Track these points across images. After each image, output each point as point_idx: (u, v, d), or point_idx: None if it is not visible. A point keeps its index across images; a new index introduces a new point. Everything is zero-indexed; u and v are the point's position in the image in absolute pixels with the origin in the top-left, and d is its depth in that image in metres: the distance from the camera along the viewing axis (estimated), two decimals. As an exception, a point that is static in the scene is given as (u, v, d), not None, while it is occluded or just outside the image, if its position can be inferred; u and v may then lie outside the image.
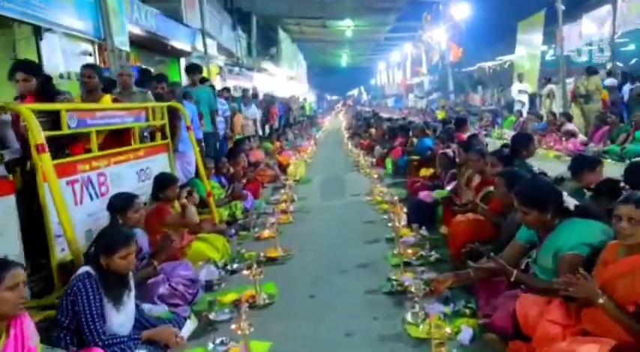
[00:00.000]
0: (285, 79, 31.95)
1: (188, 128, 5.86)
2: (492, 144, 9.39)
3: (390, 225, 5.63)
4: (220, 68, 19.18)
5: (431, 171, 7.70)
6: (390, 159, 9.50)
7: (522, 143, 5.18)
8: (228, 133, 9.10)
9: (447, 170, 6.53)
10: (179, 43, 13.74)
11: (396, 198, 6.16)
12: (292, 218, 6.38)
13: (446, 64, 29.26)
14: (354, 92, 62.98)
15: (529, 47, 18.93)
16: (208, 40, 15.38)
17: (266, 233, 5.64)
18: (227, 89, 11.75)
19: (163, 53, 14.22)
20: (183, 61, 14.94)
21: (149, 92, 5.57)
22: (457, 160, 6.61)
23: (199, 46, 14.90)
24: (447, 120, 9.59)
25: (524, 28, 19.33)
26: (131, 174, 4.94)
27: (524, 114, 15.22)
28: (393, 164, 9.23)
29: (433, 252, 4.52)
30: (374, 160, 10.09)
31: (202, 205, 6.00)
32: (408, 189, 7.37)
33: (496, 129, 15.61)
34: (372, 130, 15.02)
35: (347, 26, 29.39)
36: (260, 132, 12.48)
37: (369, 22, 29.00)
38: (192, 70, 7.75)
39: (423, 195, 6.50)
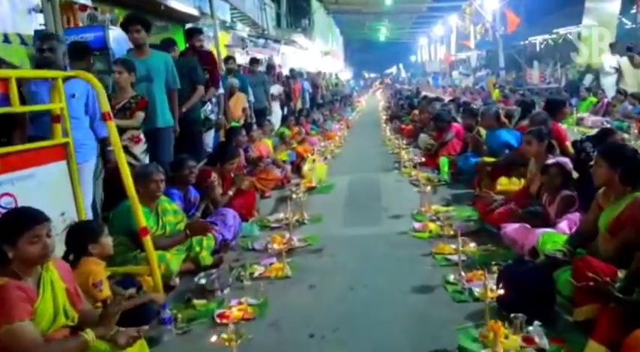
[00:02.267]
0: (318, 53, 29.20)
1: (106, 117, 3.30)
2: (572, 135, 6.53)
3: (461, 298, 3.06)
4: (242, 39, 16.76)
5: (516, 183, 4.99)
6: (446, 157, 6.75)
7: None
8: (221, 121, 6.47)
9: (558, 190, 3.82)
10: (178, 4, 11.17)
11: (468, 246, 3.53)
12: (290, 268, 3.79)
13: (497, 38, 26.03)
14: (393, 70, 59.45)
15: (601, 16, 16.20)
16: (218, 1, 12.78)
17: (234, 312, 3.11)
18: (232, 59, 9.07)
19: (163, 17, 11.73)
20: (190, 29, 12.47)
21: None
22: (573, 174, 3.92)
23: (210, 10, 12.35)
24: (528, 103, 6.76)
25: (595, -7, 16.44)
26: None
27: (610, 94, 12.16)
28: (451, 165, 6.48)
29: None
30: (420, 156, 7.31)
31: (137, 245, 3.53)
32: (480, 214, 4.67)
33: (572, 114, 12.54)
34: (416, 112, 12.22)
35: (387, -6, 26.39)
36: (276, 119, 9.77)
37: (412, -10, 26.07)
38: (131, 23, 4.80)
39: (513, 231, 3.85)
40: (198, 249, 3.94)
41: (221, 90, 6.58)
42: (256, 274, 3.77)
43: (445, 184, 6.21)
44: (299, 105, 13.19)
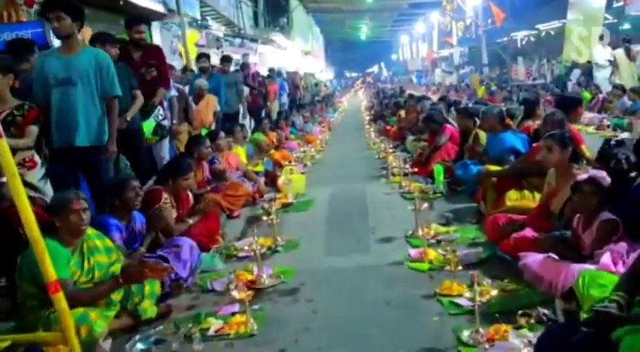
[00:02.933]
0: (298, 53, 28.37)
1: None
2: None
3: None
4: (217, 39, 15.91)
5: (529, 197, 4.18)
6: (440, 163, 5.92)
7: None
8: (176, 128, 5.52)
9: (595, 212, 3.01)
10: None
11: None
12: (256, 321, 2.93)
13: (479, 34, 25.47)
14: (374, 69, 58.89)
15: (585, 10, 15.73)
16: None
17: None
18: (205, 56, 8.13)
19: (125, 15, 10.76)
20: (157, 28, 11.54)
21: None
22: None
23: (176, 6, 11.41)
24: (532, 100, 5.94)
25: (579, -14, 15.97)
26: None
27: (605, 89, 11.51)
28: (447, 173, 5.65)
29: None
30: (410, 164, 6.40)
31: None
32: (489, 238, 3.85)
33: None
34: (402, 113, 11.39)
35: (367, -9, 25.79)
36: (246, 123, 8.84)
37: (392, -14, 25.51)
38: (51, 8, 3.67)
39: (537, 264, 3.06)
40: (137, 298, 3.07)
41: (173, 92, 5.66)
42: (211, 331, 2.90)
43: (441, 196, 5.38)
44: (275, 108, 12.30)
